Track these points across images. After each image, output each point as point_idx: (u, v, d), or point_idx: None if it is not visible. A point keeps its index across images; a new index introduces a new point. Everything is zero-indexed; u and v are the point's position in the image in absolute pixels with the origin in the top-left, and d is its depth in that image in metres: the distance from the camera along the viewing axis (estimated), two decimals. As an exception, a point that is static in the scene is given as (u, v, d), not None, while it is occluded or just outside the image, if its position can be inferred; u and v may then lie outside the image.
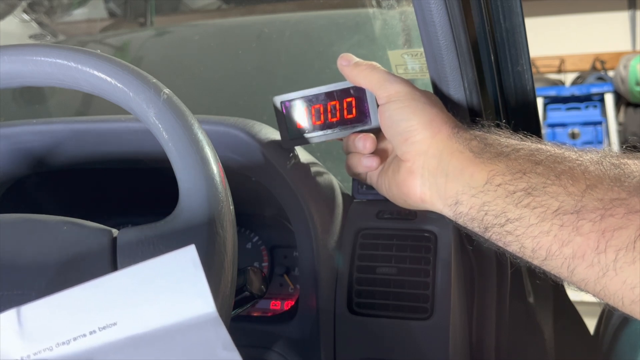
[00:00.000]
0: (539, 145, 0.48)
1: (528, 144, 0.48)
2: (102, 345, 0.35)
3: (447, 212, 0.52)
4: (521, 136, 0.51)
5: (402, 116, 0.53)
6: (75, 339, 0.35)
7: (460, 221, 0.50)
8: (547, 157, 0.46)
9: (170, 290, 0.36)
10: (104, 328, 0.35)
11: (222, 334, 0.36)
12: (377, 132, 0.59)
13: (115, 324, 0.35)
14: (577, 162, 0.44)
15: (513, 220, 0.45)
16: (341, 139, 0.61)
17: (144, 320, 0.36)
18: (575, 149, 0.46)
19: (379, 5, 0.79)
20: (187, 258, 0.37)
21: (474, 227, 0.49)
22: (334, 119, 0.60)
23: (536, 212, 0.43)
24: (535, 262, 0.45)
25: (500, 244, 0.48)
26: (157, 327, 0.36)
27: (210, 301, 0.36)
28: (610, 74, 2.60)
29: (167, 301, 0.36)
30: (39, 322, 0.35)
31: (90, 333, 0.35)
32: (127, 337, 0.35)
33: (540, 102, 2.54)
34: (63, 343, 0.35)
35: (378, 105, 0.57)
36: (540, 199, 0.43)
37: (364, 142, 0.58)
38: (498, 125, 0.53)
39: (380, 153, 0.59)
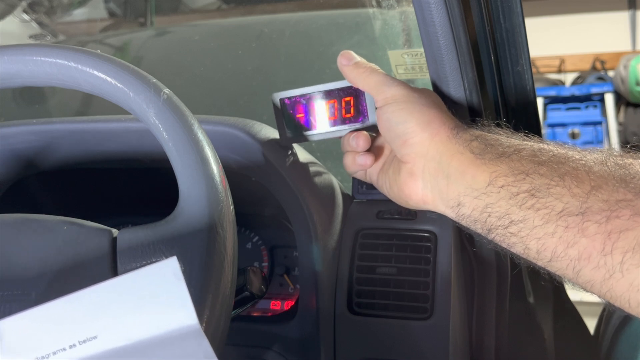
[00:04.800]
0: (542, 145, 0.47)
1: (530, 144, 0.48)
2: (83, 359, 0.35)
3: (450, 213, 0.51)
4: (522, 136, 0.50)
5: (399, 119, 0.53)
6: (55, 352, 0.34)
7: (463, 222, 0.50)
8: (550, 158, 0.45)
9: (151, 302, 0.36)
10: (84, 341, 0.35)
11: (204, 346, 0.35)
12: (375, 130, 0.59)
13: (95, 337, 0.35)
14: (581, 162, 0.44)
15: (517, 222, 0.45)
16: (339, 138, 0.61)
17: (125, 333, 0.35)
18: (579, 149, 0.46)
19: (379, 5, 0.79)
20: (168, 270, 0.36)
21: (477, 228, 0.49)
22: (333, 118, 0.60)
23: (540, 213, 0.43)
24: (540, 264, 0.45)
25: (504, 245, 0.47)
26: (138, 340, 0.35)
27: (192, 313, 0.36)
28: (610, 74, 2.60)
29: (148, 314, 0.36)
30: (18, 336, 0.35)
31: (71, 347, 0.35)
32: (108, 351, 0.35)
33: (540, 102, 2.54)
34: (43, 357, 0.34)
35: (376, 108, 0.57)
36: (545, 201, 0.43)
37: (356, 140, 0.58)
38: (498, 125, 0.52)
39: (376, 151, 0.59)
